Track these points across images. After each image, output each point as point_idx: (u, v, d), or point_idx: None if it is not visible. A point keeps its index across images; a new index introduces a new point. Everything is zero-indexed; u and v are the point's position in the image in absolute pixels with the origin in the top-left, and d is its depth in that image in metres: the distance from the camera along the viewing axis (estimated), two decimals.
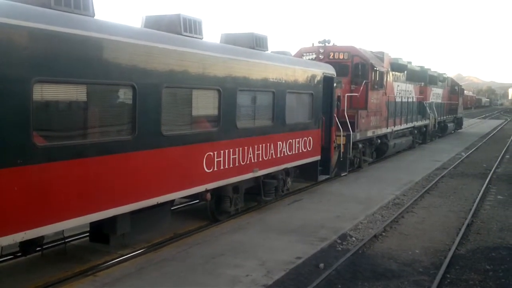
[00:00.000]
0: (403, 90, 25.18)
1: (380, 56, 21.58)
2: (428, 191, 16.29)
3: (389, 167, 21.11)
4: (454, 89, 40.81)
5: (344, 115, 17.20)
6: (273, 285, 7.87)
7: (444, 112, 36.23)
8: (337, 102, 16.16)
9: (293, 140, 13.28)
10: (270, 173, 12.47)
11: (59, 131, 7.03)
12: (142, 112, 8.18)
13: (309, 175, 15.02)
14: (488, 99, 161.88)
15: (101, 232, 8.45)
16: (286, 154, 12.96)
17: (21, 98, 6.30)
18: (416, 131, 28.48)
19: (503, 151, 28.48)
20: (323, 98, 14.88)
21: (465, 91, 62.70)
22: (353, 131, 17.55)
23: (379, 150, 22.23)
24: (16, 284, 7.63)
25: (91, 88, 7.44)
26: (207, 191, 10.15)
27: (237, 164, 10.90)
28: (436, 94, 33.49)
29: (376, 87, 20.13)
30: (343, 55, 19.33)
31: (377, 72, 20.11)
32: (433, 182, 17.75)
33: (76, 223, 7.33)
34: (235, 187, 11.27)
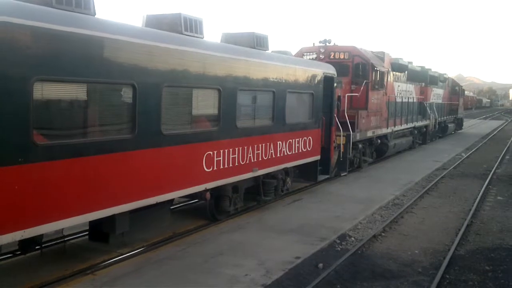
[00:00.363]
0: (403, 91, 25.15)
1: (380, 56, 21.56)
2: (428, 191, 16.28)
3: (389, 167, 21.11)
4: (454, 89, 40.75)
5: (344, 115, 17.19)
6: (272, 284, 7.87)
7: (445, 112, 36.18)
8: (337, 102, 16.16)
9: (293, 140, 13.27)
10: (270, 172, 12.48)
11: (60, 129, 7.03)
12: (142, 111, 8.19)
13: (309, 175, 15.03)
14: (488, 100, 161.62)
15: (100, 231, 8.46)
16: (286, 153, 12.96)
17: (21, 97, 6.30)
18: (416, 132, 28.45)
19: (503, 152, 28.45)
20: (324, 98, 14.88)
21: (465, 92, 62.68)
22: (353, 131, 17.54)
23: (379, 150, 22.22)
24: (15, 282, 7.63)
25: (92, 87, 7.45)
26: (206, 190, 10.17)
27: (236, 164, 10.90)
28: (436, 95, 33.45)
29: (376, 87, 20.12)
30: (344, 55, 19.33)
31: (378, 72, 20.10)
32: (433, 182, 17.74)
33: (76, 222, 7.34)
34: (235, 186, 11.28)
